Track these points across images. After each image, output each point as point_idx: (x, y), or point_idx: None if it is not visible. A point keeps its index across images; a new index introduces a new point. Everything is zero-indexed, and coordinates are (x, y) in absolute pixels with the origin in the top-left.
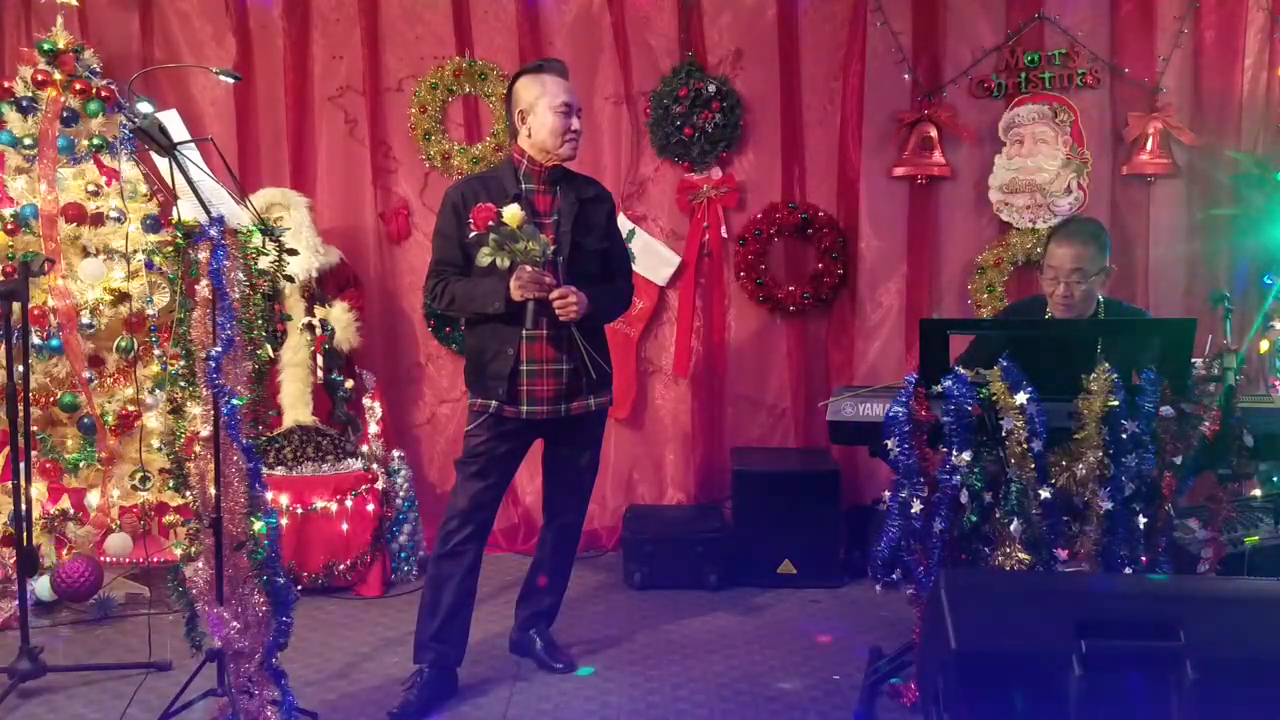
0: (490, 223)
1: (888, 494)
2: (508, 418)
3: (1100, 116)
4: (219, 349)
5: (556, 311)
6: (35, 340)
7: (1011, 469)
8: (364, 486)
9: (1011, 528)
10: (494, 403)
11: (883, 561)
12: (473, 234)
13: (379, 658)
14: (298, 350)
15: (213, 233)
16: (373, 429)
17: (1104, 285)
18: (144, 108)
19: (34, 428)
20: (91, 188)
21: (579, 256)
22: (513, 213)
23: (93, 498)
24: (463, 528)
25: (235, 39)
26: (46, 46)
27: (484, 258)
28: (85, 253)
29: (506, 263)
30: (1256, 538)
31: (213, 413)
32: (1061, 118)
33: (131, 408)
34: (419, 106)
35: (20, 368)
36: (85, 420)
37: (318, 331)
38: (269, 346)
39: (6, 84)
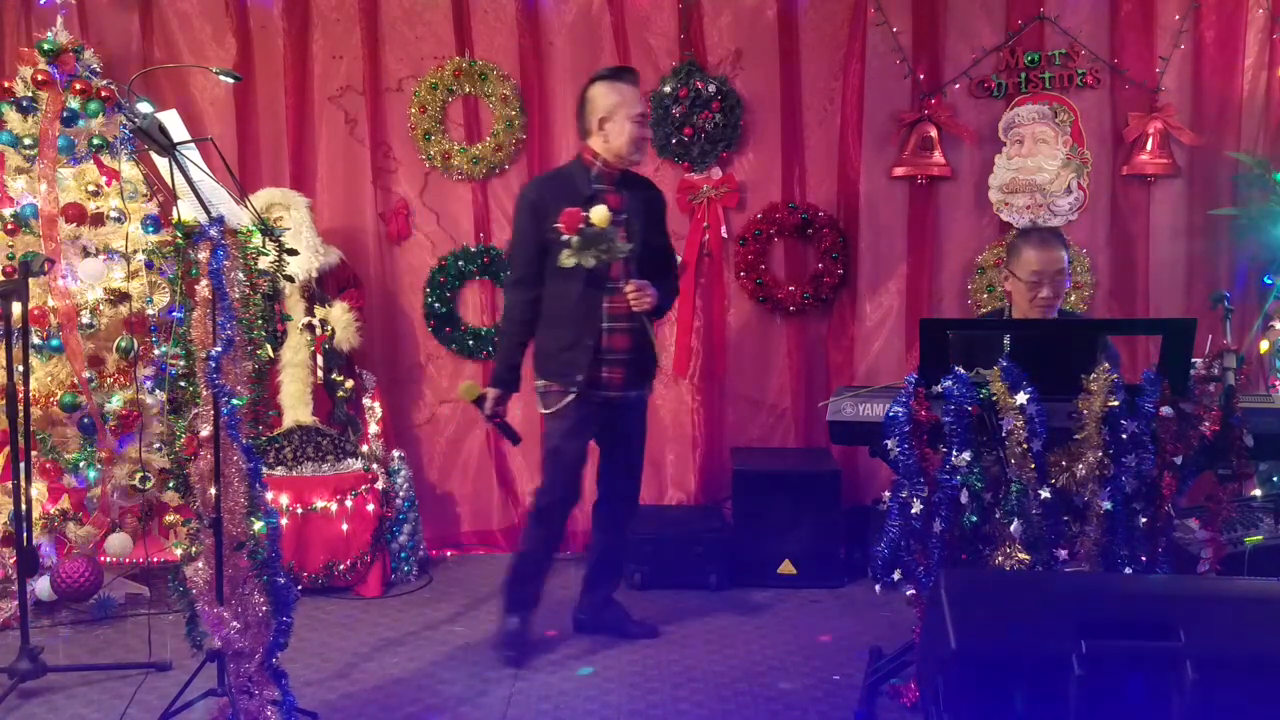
0: (580, 227)
1: (888, 494)
2: (587, 400)
3: (1100, 116)
4: (219, 349)
5: (632, 303)
6: (35, 340)
7: (1011, 469)
8: (364, 486)
9: (1011, 528)
10: (574, 388)
11: (883, 561)
12: (564, 237)
13: (379, 658)
14: (298, 350)
15: (213, 233)
16: (373, 429)
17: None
18: (144, 108)
19: (34, 428)
20: (91, 188)
21: (643, 252)
22: (601, 214)
23: (93, 498)
24: (566, 499)
25: (235, 39)
26: (46, 46)
27: (567, 259)
28: (85, 253)
29: (590, 263)
30: (1256, 538)
31: (213, 413)
32: (1061, 118)
33: (132, 408)
34: (419, 106)
35: (20, 368)
36: (85, 420)
37: (318, 331)
38: (269, 346)
39: (6, 84)
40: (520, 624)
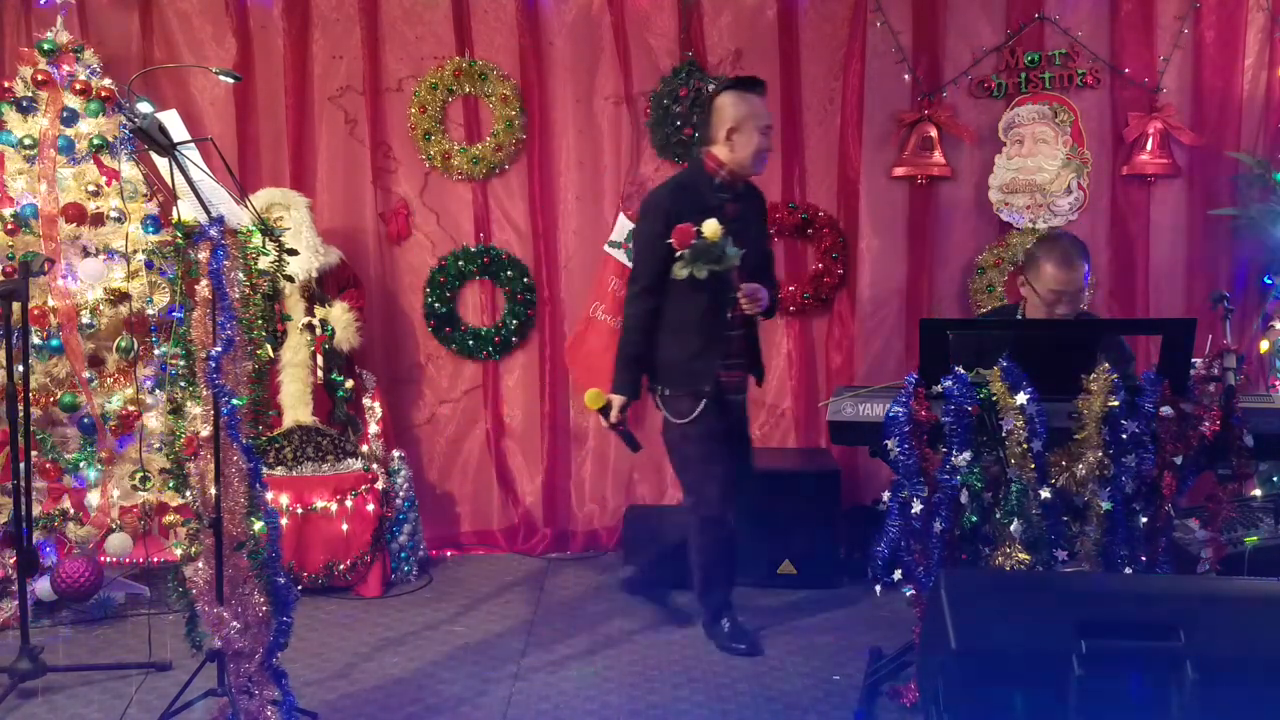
0: (693, 241)
1: (888, 494)
2: (716, 403)
3: (1100, 116)
4: (219, 349)
5: (745, 308)
6: (35, 340)
7: (1011, 469)
8: (364, 486)
9: (1011, 528)
10: (704, 396)
11: (883, 561)
12: (678, 253)
13: (379, 658)
14: (298, 350)
15: (213, 233)
16: (373, 429)
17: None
18: (144, 108)
19: (34, 428)
20: (91, 188)
21: (753, 256)
22: (713, 228)
23: (93, 498)
24: (724, 499)
25: (235, 39)
26: (46, 46)
27: (680, 271)
28: (85, 253)
29: (702, 274)
30: (1256, 538)
31: (213, 413)
32: (1061, 118)
33: (132, 408)
34: (419, 106)
35: (20, 368)
36: (85, 420)
37: (318, 331)
38: (269, 346)
39: (6, 84)
40: (732, 623)
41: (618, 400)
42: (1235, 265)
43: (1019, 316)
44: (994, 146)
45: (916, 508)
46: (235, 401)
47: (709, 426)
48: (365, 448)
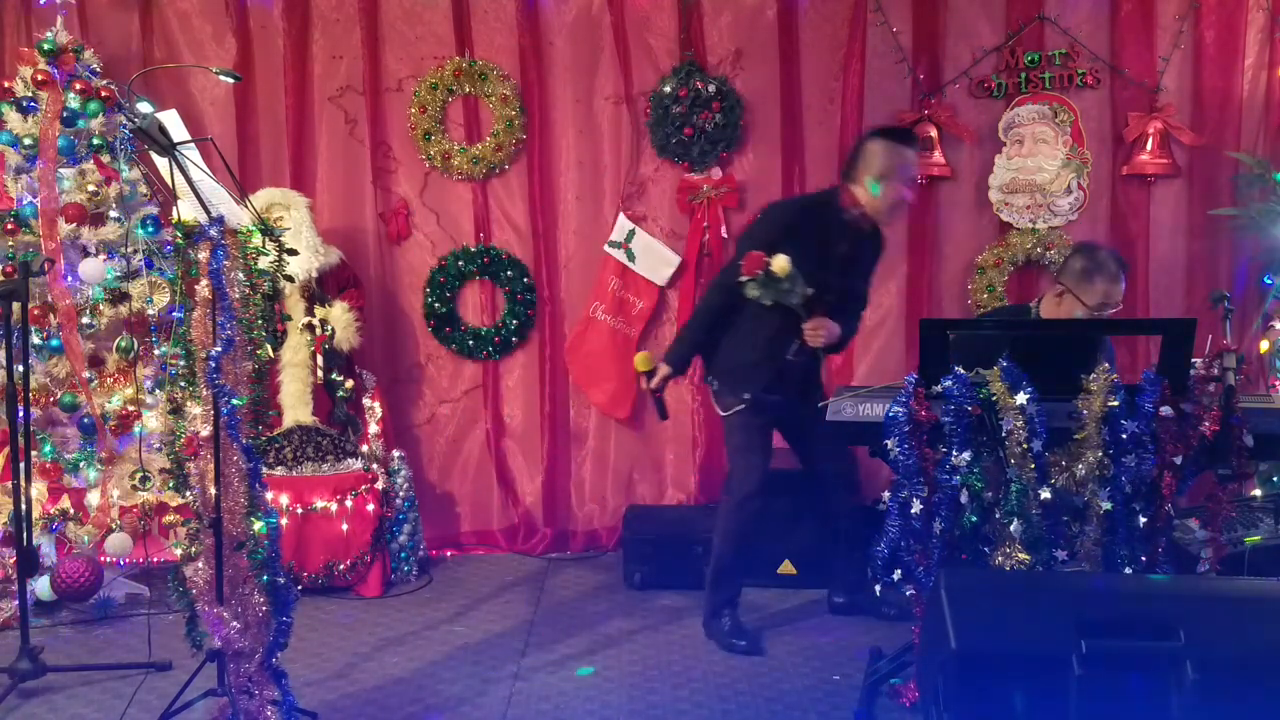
0: (759, 271)
1: (888, 494)
2: (758, 409)
3: (1100, 116)
4: (219, 349)
5: (807, 338)
6: (35, 340)
7: (1011, 469)
8: (364, 486)
9: (1011, 528)
10: (741, 402)
11: (883, 561)
12: (743, 277)
13: (379, 658)
14: (298, 350)
15: (213, 233)
16: (373, 429)
17: None
18: (144, 108)
19: (34, 428)
20: (91, 188)
21: (851, 295)
22: (781, 264)
23: (93, 498)
24: (756, 494)
25: (235, 39)
26: (46, 46)
27: (750, 290)
28: (85, 253)
29: (768, 301)
30: (1256, 538)
31: (213, 413)
32: (1061, 118)
33: (131, 408)
34: (419, 106)
35: (20, 368)
36: (85, 420)
37: (318, 331)
38: (269, 346)
39: (6, 84)
40: (733, 620)
41: (664, 370)
42: (1235, 265)
43: (1033, 315)
44: (994, 146)
45: (916, 508)
46: (235, 401)
47: (750, 426)
48: (365, 448)
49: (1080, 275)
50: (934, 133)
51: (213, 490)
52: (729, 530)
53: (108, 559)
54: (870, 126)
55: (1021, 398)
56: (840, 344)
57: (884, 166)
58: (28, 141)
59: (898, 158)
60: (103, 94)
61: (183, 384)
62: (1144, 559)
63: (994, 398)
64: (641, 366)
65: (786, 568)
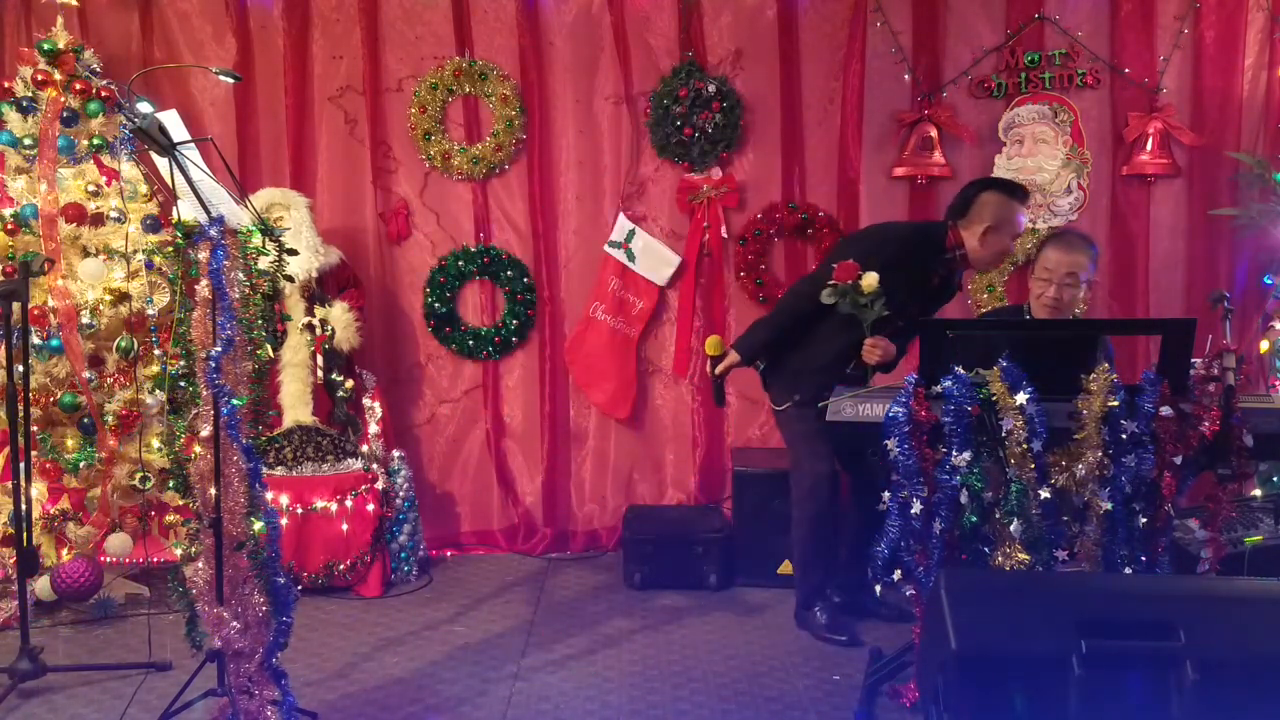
0: (850, 280)
1: (888, 494)
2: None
3: (1100, 116)
4: (219, 349)
5: (864, 355)
6: (35, 340)
7: (1011, 469)
8: (364, 486)
9: (1011, 528)
10: (788, 403)
11: (883, 561)
12: (831, 282)
13: (379, 658)
14: (298, 350)
15: (213, 233)
16: (373, 429)
17: (1086, 297)
18: (144, 108)
19: (34, 428)
20: (91, 188)
21: (908, 319)
22: (870, 282)
23: (93, 498)
24: (820, 474)
25: (235, 39)
26: (46, 46)
27: (827, 297)
28: (85, 253)
29: (844, 310)
30: (1256, 538)
31: (213, 413)
32: (1061, 118)
33: (132, 408)
34: (419, 106)
35: (20, 368)
36: (85, 420)
37: (318, 331)
38: (269, 346)
39: (6, 84)
40: (828, 613)
41: (732, 358)
42: (1235, 265)
43: (1026, 316)
44: (994, 146)
45: (916, 508)
46: (235, 401)
47: (803, 411)
48: (365, 448)
49: (1038, 249)
50: (934, 133)
51: (213, 490)
52: (803, 518)
53: (108, 559)
54: (983, 176)
55: (1021, 398)
56: (891, 365)
57: (996, 219)
58: (28, 141)
59: (1009, 213)
60: (103, 94)
61: (183, 384)
62: (1144, 559)
63: (994, 398)
64: (712, 350)
65: (786, 568)
